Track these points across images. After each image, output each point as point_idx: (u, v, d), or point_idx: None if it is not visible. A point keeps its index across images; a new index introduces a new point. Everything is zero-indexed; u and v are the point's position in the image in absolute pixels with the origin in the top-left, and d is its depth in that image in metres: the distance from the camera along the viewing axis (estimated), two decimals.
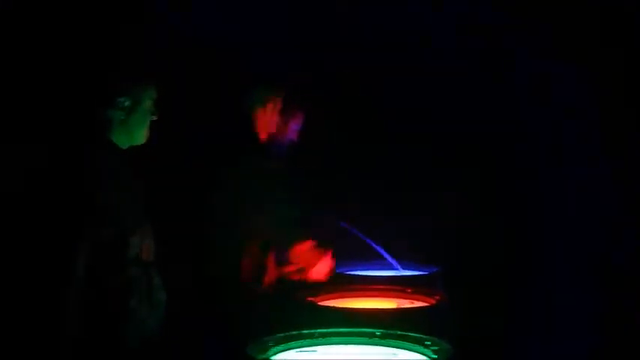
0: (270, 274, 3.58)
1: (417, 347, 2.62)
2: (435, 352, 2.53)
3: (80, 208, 2.48)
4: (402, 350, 2.66)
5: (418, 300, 3.38)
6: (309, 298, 3.33)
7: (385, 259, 4.04)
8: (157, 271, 2.68)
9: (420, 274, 3.93)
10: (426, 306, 3.30)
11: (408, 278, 3.88)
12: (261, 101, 3.70)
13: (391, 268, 4.06)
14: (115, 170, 2.61)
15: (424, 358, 2.56)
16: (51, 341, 2.41)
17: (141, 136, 2.70)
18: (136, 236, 2.60)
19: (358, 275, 3.91)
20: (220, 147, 3.65)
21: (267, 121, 3.76)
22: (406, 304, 3.35)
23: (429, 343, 2.60)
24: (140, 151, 2.73)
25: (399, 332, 2.72)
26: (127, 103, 2.63)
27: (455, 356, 2.49)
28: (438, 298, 3.34)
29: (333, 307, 3.28)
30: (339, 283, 3.64)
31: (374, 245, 4.03)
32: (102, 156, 2.60)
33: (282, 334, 2.70)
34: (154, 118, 2.71)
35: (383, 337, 2.73)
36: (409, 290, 3.47)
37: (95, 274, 2.48)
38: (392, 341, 2.71)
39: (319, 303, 3.33)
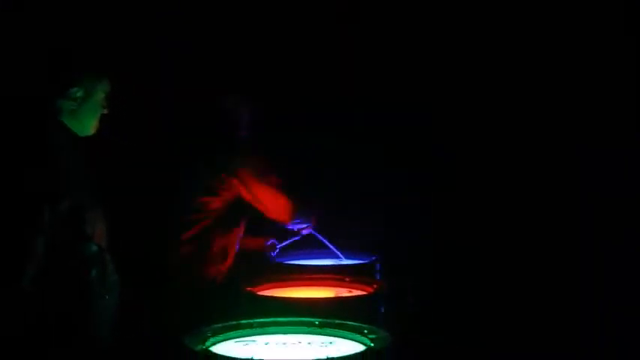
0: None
1: (355, 335, 2.64)
2: (372, 340, 2.55)
3: (36, 182, 2.51)
4: (341, 339, 2.68)
5: (356, 289, 3.40)
6: (248, 288, 3.32)
7: (328, 248, 4.07)
8: (109, 256, 2.69)
9: (359, 263, 3.96)
10: (364, 294, 3.32)
11: (346, 267, 3.91)
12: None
13: (333, 257, 4.08)
14: (68, 151, 2.63)
15: (362, 346, 2.58)
16: (14, 317, 2.41)
17: (90, 127, 2.74)
18: (90, 215, 2.62)
19: (297, 265, 3.92)
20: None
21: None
22: (344, 292, 3.37)
23: (366, 331, 2.62)
24: (93, 143, 2.76)
25: (337, 321, 2.73)
26: (78, 94, 2.68)
27: (392, 344, 2.52)
28: (375, 286, 3.37)
29: (272, 296, 3.28)
30: (278, 273, 3.65)
31: (318, 235, 4.06)
32: (55, 136, 2.63)
33: (220, 324, 2.69)
34: (105, 111, 2.75)
35: (321, 325, 2.74)
36: (347, 279, 3.49)
37: (55, 249, 2.50)
38: (330, 330, 2.72)
39: (258, 292, 3.32)
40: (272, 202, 3.75)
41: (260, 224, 3.98)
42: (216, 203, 3.69)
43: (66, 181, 2.56)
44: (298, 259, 4.06)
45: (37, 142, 2.60)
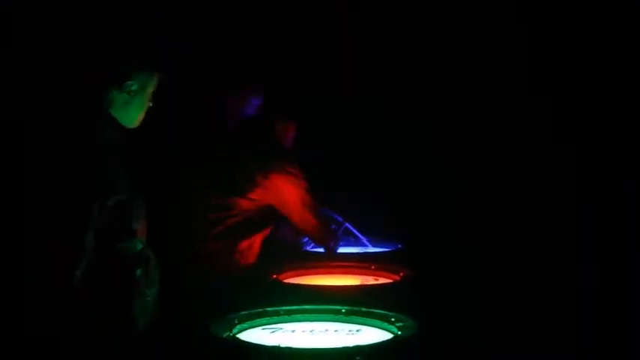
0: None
1: (382, 323, 2.63)
2: (399, 328, 2.54)
3: (86, 177, 2.53)
4: (367, 327, 2.67)
5: (383, 276, 3.39)
6: (274, 276, 3.32)
7: (356, 236, 4.06)
8: (151, 252, 2.70)
9: (385, 251, 3.95)
10: (391, 282, 3.31)
11: (372, 255, 3.90)
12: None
13: (359, 245, 4.07)
14: (115, 145, 2.66)
15: (389, 334, 2.57)
16: (61, 310, 2.43)
17: (136, 120, 2.80)
18: (135, 210, 2.63)
19: (323, 252, 3.91)
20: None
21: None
22: (370, 280, 3.36)
23: (393, 319, 2.61)
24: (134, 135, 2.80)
25: (364, 309, 2.72)
26: (133, 87, 2.72)
27: (419, 333, 2.51)
28: (402, 274, 3.35)
29: (298, 284, 3.28)
30: (304, 260, 3.65)
31: (347, 224, 4.05)
32: (104, 129, 2.66)
33: (246, 312, 2.69)
34: (151, 104, 2.80)
35: (348, 313, 2.74)
36: (373, 267, 3.48)
37: (101, 247, 2.51)
38: (357, 317, 2.71)
39: (284, 280, 3.32)
40: (300, 213, 3.71)
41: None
42: (247, 205, 3.65)
43: (114, 177, 2.58)
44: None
45: (87, 137, 2.62)
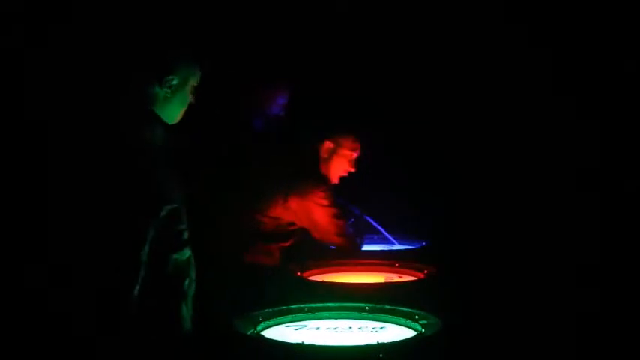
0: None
1: (406, 321, 2.63)
2: (423, 325, 2.54)
3: (141, 189, 2.47)
4: (391, 324, 2.67)
5: (407, 274, 3.39)
6: (299, 273, 3.33)
7: (381, 233, 4.06)
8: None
9: (410, 248, 3.94)
10: (415, 280, 3.31)
11: (397, 252, 3.89)
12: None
13: (383, 242, 4.07)
14: (161, 147, 2.61)
15: (413, 331, 2.57)
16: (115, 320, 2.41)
17: (177, 116, 2.71)
18: (183, 217, 2.59)
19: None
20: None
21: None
22: (395, 278, 3.36)
23: (417, 316, 2.61)
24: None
25: (388, 306, 2.72)
26: (174, 82, 2.63)
27: (443, 330, 2.50)
28: (426, 272, 3.35)
29: (322, 281, 3.28)
30: (328, 258, 3.65)
31: (370, 221, 4.05)
32: (150, 130, 2.60)
33: (270, 309, 2.70)
34: (192, 101, 2.71)
35: (372, 311, 2.74)
36: (397, 264, 3.47)
37: (156, 256, 2.47)
38: (381, 315, 2.72)
39: (308, 277, 3.33)
40: (325, 233, 3.74)
41: None
42: (265, 221, 3.71)
43: (164, 184, 2.52)
44: None
45: (136, 142, 2.54)
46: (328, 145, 3.78)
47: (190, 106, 2.71)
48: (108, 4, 3.57)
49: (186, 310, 2.58)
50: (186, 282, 2.58)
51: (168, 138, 2.66)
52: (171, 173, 2.58)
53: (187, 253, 2.59)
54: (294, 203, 3.68)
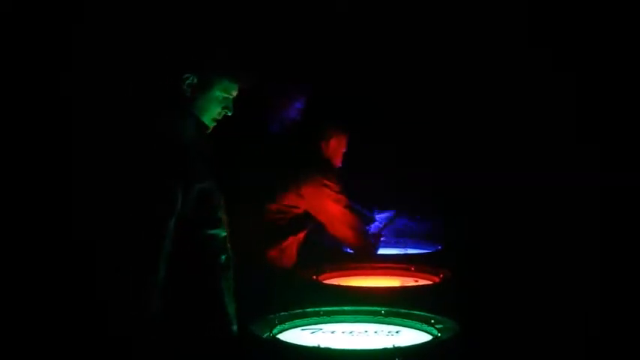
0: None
1: (422, 325, 2.63)
2: (439, 330, 2.53)
3: (168, 166, 2.52)
4: (407, 328, 2.67)
5: (422, 278, 3.39)
6: (314, 277, 3.33)
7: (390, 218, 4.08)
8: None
9: (425, 252, 3.94)
10: (431, 284, 3.30)
11: (412, 256, 3.89)
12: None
13: (399, 246, 4.07)
14: (196, 135, 2.66)
15: (429, 336, 2.57)
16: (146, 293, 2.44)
17: (206, 121, 2.73)
18: (217, 200, 2.64)
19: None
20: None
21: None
22: (410, 282, 3.36)
23: (433, 321, 2.60)
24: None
25: (403, 310, 2.72)
26: (194, 81, 2.66)
27: (459, 334, 2.50)
28: (442, 276, 3.34)
29: (338, 285, 3.28)
30: (343, 261, 3.65)
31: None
32: (184, 117, 2.66)
33: (286, 312, 2.70)
34: (228, 113, 2.73)
35: (388, 314, 2.73)
36: (413, 268, 3.47)
37: (189, 232, 2.52)
38: (397, 319, 2.71)
39: (324, 281, 3.33)
40: (337, 224, 3.75)
41: None
42: (282, 210, 3.72)
43: (196, 165, 2.58)
44: None
45: (169, 124, 2.61)
46: (333, 139, 3.86)
47: (226, 117, 2.74)
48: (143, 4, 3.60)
49: (226, 283, 2.62)
50: (224, 257, 2.62)
51: (201, 130, 2.69)
52: (206, 159, 2.64)
53: (223, 233, 2.64)
54: (307, 191, 3.70)
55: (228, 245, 2.70)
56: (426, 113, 4.74)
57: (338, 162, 3.92)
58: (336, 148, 3.90)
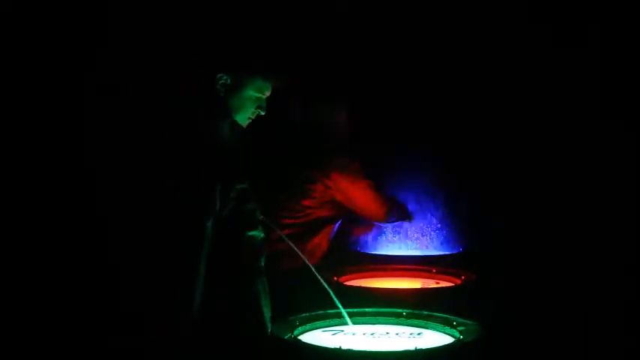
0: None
1: (444, 327, 2.62)
2: (461, 332, 2.52)
3: (207, 166, 2.55)
4: (428, 330, 2.66)
5: (444, 280, 3.38)
6: (335, 278, 3.33)
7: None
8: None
9: (447, 254, 3.92)
10: (452, 286, 3.29)
11: (434, 258, 3.88)
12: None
13: (419, 248, 4.06)
14: (231, 137, 2.69)
15: (450, 338, 2.56)
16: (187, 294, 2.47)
17: (240, 120, 2.76)
18: (253, 202, 2.67)
19: (383, 255, 3.91)
20: None
21: None
22: (431, 284, 3.35)
23: (455, 323, 2.60)
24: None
25: (425, 312, 2.71)
26: (227, 81, 2.71)
27: (481, 336, 2.49)
28: (464, 278, 3.33)
29: (359, 286, 3.28)
30: (365, 263, 3.65)
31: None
32: (220, 118, 2.69)
33: (307, 314, 2.70)
34: (262, 113, 2.77)
35: (409, 316, 2.73)
36: (434, 270, 3.46)
37: (229, 233, 2.55)
38: (418, 321, 2.71)
39: (345, 283, 3.33)
40: (366, 204, 3.75)
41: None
42: (312, 204, 3.70)
43: (235, 166, 2.61)
44: (384, 250, 4.05)
45: (206, 125, 2.64)
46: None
47: (259, 117, 2.77)
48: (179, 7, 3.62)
49: (262, 287, 2.64)
50: (262, 261, 2.64)
51: (237, 130, 2.71)
52: (242, 160, 2.66)
53: (261, 234, 2.67)
54: (335, 178, 3.69)
55: (265, 248, 2.71)
56: (435, 111, 4.70)
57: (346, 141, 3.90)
58: (344, 128, 3.90)
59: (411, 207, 4.10)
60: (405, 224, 4.05)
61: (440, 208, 4.52)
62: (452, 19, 4.49)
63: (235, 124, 2.74)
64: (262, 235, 2.67)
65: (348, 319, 2.72)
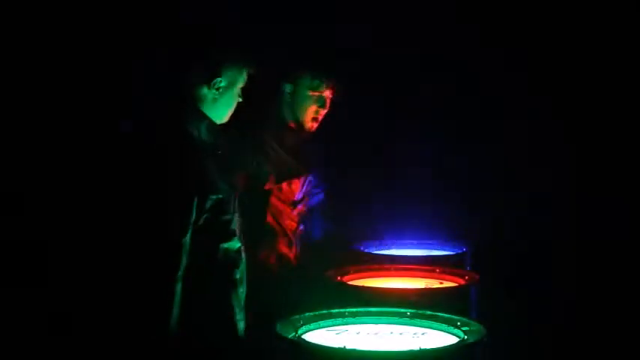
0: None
1: (448, 327, 2.62)
2: (465, 332, 2.52)
3: (183, 178, 2.52)
4: (432, 330, 2.66)
5: (448, 280, 3.38)
6: (339, 278, 3.33)
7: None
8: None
9: (450, 254, 3.92)
10: (456, 286, 3.29)
11: (437, 258, 3.88)
12: None
13: (424, 247, 4.05)
14: (208, 143, 2.68)
15: (454, 338, 2.56)
16: (162, 308, 2.45)
17: (225, 116, 2.77)
18: (231, 209, 2.65)
19: (387, 255, 3.91)
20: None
21: None
22: (435, 284, 3.35)
23: (459, 323, 2.60)
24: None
25: (429, 312, 2.71)
26: (222, 84, 2.70)
27: (485, 337, 2.48)
28: (467, 278, 3.33)
29: (363, 286, 3.28)
30: (368, 263, 3.65)
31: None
32: (197, 127, 2.67)
33: (311, 313, 2.70)
34: (240, 100, 2.77)
35: (413, 316, 2.73)
36: (438, 270, 3.46)
37: (203, 244, 2.53)
38: (422, 321, 2.71)
39: (349, 282, 3.33)
40: None
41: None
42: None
43: (211, 176, 2.58)
44: (388, 249, 4.05)
45: (181, 135, 2.61)
46: None
47: (239, 105, 2.76)
48: (157, 7, 3.61)
49: (237, 300, 2.62)
50: (237, 273, 2.62)
51: (216, 135, 2.70)
52: (220, 167, 2.64)
53: (237, 244, 2.65)
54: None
55: (243, 258, 2.69)
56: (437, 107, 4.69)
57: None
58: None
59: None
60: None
61: (443, 207, 4.53)
62: None
63: (213, 125, 2.71)
64: (238, 245, 2.65)
65: None
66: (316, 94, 3.56)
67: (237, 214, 2.69)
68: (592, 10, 4.31)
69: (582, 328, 4.01)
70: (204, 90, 2.69)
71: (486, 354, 2.48)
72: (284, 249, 3.60)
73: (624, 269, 4.29)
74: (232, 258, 2.63)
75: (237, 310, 2.64)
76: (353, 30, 4.34)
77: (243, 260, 2.70)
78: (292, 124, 3.64)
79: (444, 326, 2.65)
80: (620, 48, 4.36)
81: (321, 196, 3.84)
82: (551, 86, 4.49)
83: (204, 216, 2.54)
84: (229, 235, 2.63)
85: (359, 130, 4.31)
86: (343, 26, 4.32)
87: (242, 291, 2.69)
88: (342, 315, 2.74)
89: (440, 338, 2.58)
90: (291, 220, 3.62)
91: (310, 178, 3.71)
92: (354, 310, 2.76)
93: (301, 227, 3.69)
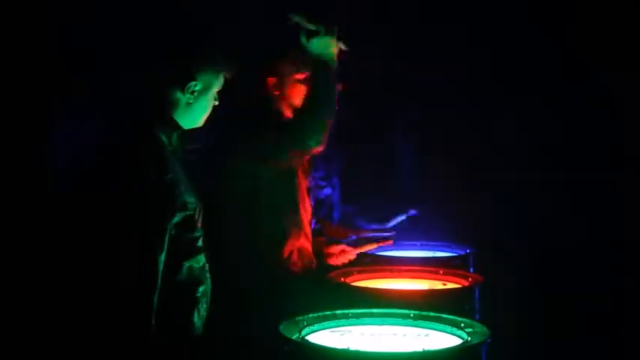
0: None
1: (452, 329, 2.62)
2: (469, 334, 2.52)
3: (157, 195, 2.46)
4: (436, 331, 2.66)
5: (451, 281, 3.37)
6: (343, 279, 3.33)
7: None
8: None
9: (454, 255, 3.92)
10: (460, 287, 3.29)
11: (441, 259, 3.88)
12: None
13: (428, 248, 4.05)
14: (177, 152, 2.62)
15: (458, 339, 2.56)
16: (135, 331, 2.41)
17: (199, 120, 2.68)
18: (198, 223, 2.58)
19: (390, 256, 3.91)
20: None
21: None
22: (439, 285, 3.35)
23: (463, 324, 2.60)
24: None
25: (432, 313, 2.71)
26: (197, 88, 2.61)
27: (489, 338, 2.48)
28: (471, 279, 3.33)
29: (366, 287, 3.28)
30: (372, 264, 3.64)
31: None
32: (168, 135, 2.59)
33: (315, 314, 2.70)
34: (216, 103, 2.69)
35: (416, 318, 2.73)
36: (441, 271, 3.46)
37: (170, 263, 2.47)
38: (426, 322, 2.71)
39: (352, 284, 3.33)
40: None
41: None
42: None
43: (180, 189, 2.51)
44: (392, 251, 4.05)
45: (153, 151, 2.52)
46: None
47: (213, 109, 2.69)
48: (130, 9, 3.58)
49: (198, 318, 2.58)
50: (200, 290, 2.58)
51: (185, 143, 2.64)
52: (187, 179, 2.57)
53: (202, 260, 2.59)
54: None
55: (208, 275, 2.64)
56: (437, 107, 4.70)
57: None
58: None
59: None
60: None
61: (448, 209, 4.53)
62: None
63: (185, 134, 2.63)
64: (202, 262, 2.59)
65: None
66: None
67: (201, 230, 2.61)
68: None
69: (585, 328, 4.01)
70: (178, 94, 2.59)
71: (490, 355, 2.48)
72: (304, 244, 3.57)
73: (628, 271, 4.29)
74: (195, 275, 2.57)
75: (196, 329, 2.58)
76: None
77: (208, 274, 2.64)
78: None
79: (448, 327, 2.65)
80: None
81: (328, 190, 3.83)
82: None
83: (172, 233, 2.47)
84: (195, 253, 2.56)
85: (360, 130, 4.30)
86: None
87: (205, 307, 2.62)
88: (345, 316, 2.74)
89: (444, 340, 2.58)
90: (306, 210, 3.56)
91: (314, 173, 3.68)
92: (357, 311, 2.76)
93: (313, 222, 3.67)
